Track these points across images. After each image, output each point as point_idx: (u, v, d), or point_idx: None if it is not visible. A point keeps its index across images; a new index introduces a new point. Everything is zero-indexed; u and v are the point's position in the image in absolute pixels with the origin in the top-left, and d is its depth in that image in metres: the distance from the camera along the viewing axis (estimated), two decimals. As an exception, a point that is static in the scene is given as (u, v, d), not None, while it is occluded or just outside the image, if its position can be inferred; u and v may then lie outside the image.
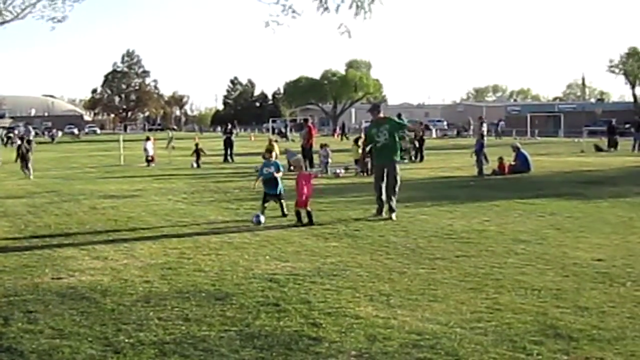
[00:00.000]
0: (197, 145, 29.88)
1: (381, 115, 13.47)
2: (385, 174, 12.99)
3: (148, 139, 32.36)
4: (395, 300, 7.06)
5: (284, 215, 12.87)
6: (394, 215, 12.67)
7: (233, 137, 33.51)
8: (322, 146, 25.76)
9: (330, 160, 25.12)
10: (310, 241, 10.58)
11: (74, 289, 7.70)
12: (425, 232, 11.26)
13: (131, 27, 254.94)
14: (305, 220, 12.09)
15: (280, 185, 13.13)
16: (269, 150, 14.07)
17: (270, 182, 13.07)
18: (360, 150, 24.32)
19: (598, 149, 37.14)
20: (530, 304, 6.82)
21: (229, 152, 32.60)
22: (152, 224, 12.66)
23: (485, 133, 23.72)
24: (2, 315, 6.71)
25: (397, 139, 13.20)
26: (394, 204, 12.88)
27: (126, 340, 5.86)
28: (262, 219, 12.22)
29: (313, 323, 6.26)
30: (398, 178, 13.07)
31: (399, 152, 13.45)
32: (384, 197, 12.97)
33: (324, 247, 10.13)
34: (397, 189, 13.03)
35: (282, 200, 13.11)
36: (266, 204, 12.89)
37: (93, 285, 7.85)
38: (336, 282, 7.89)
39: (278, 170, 13.19)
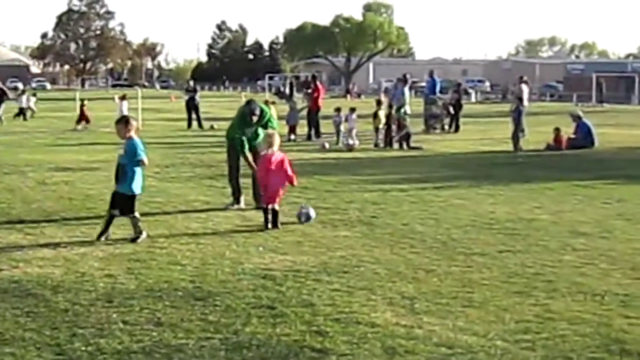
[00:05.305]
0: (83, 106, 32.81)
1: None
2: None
3: (124, 97, 32.39)
4: (421, 304, 7.09)
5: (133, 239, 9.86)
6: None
7: (197, 98, 32.88)
8: (338, 110, 25.23)
9: (354, 127, 24.04)
10: (314, 229, 10.61)
11: (17, 284, 7.74)
12: (460, 220, 11.29)
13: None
14: (270, 223, 10.60)
15: (133, 182, 10.29)
16: (123, 122, 10.84)
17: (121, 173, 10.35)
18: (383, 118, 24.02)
19: None
20: (590, 312, 6.84)
21: (193, 116, 32.16)
22: (117, 204, 12.67)
23: (525, 97, 23.40)
24: None
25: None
26: None
27: (83, 348, 5.89)
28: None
29: (317, 331, 6.30)
30: None
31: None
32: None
33: (332, 237, 10.17)
34: None
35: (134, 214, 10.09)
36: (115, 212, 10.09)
37: (42, 280, 7.88)
38: (347, 280, 7.92)
39: (134, 156, 10.40)
